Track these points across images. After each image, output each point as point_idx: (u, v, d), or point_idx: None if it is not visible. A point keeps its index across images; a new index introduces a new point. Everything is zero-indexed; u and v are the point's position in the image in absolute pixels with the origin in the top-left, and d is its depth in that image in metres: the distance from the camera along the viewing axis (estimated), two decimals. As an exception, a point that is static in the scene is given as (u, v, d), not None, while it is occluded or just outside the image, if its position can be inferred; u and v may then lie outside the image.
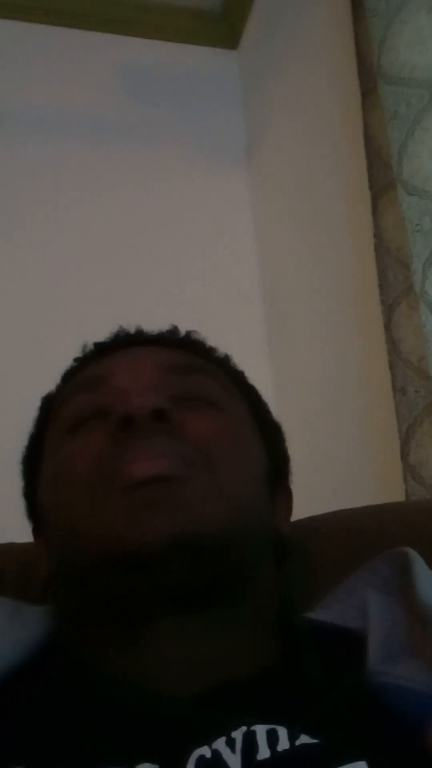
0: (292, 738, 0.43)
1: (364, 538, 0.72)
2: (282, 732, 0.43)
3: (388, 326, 1.07)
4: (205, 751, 0.43)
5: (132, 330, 0.70)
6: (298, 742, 0.43)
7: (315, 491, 0.89)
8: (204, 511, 0.54)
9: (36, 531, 0.67)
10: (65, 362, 0.70)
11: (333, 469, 1.27)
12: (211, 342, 0.71)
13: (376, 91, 1.11)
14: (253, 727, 0.43)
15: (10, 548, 0.78)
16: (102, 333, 0.71)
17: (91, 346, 0.70)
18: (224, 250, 1.60)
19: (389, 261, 1.07)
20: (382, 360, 1.08)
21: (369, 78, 1.13)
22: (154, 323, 0.71)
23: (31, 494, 0.67)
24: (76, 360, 0.70)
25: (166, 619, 0.54)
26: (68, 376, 0.69)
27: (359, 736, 0.45)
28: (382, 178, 1.10)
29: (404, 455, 1.02)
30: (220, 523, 0.54)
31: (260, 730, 0.43)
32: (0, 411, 1.25)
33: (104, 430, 0.57)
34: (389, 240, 1.08)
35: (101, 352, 0.68)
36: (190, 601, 0.54)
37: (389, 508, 0.80)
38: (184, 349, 0.67)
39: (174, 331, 0.71)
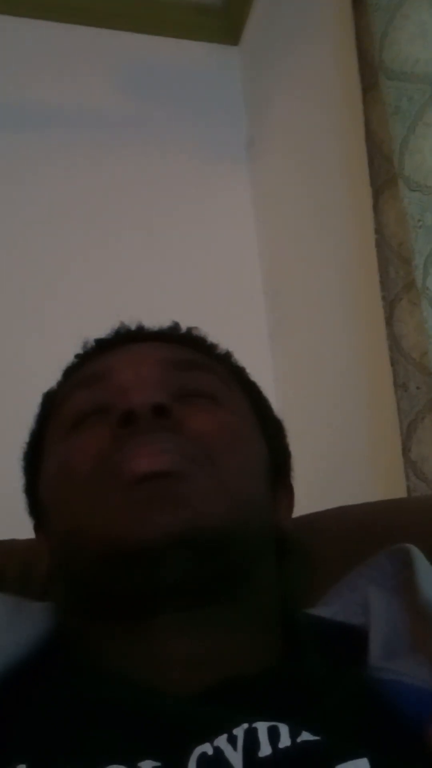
0: (293, 735, 0.43)
1: (365, 534, 0.72)
2: (283, 729, 0.43)
3: (389, 322, 1.07)
4: (207, 748, 0.43)
5: (133, 326, 0.70)
6: (299, 739, 0.43)
7: (316, 488, 0.89)
8: (205, 507, 0.54)
9: (37, 527, 0.67)
10: (66, 358, 0.70)
11: (334, 466, 1.27)
12: (212, 338, 0.71)
13: (378, 86, 1.10)
14: (254, 724, 0.43)
15: (12, 545, 0.78)
16: (103, 329, 0.71)
17: (92, 342, 0.70)
18: (225, 245, 1.60)
19: (391, 257, 1.07)
20: (384, 356, 1.08)
21: (370, 73, 1.13)
22: (155, 319, 0.70)
23: (32, 491, 0.67)
24: (77, 356, 0.70)
25: (167, 615, 0.54)
26: (69, 373, 0.69)
27: (361, 733, 0.45)
28: (383, 174, 1.10)
29: (406, 451, 1.02)
30: (220, 519, 0.54)
31: (262, 727, 0.43)
32: (1, 408, 1.25)
33: (105, 426, 0.57)
34: (391, 235, 1.07)
35: (102, 348, 0.68)
36: (191, 597, 0.54)
37: (391, 505, 0.80)
38: (185, 345, 0.67)
39: (175, 327, 0.71)
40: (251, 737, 0.43)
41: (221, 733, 0.43)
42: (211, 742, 0.43)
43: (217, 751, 0.43)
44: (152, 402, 0.56)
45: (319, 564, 0.71)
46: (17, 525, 0.71)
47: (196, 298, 1.42)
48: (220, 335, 0.71)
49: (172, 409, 0.57)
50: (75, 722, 0.47)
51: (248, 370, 0.71)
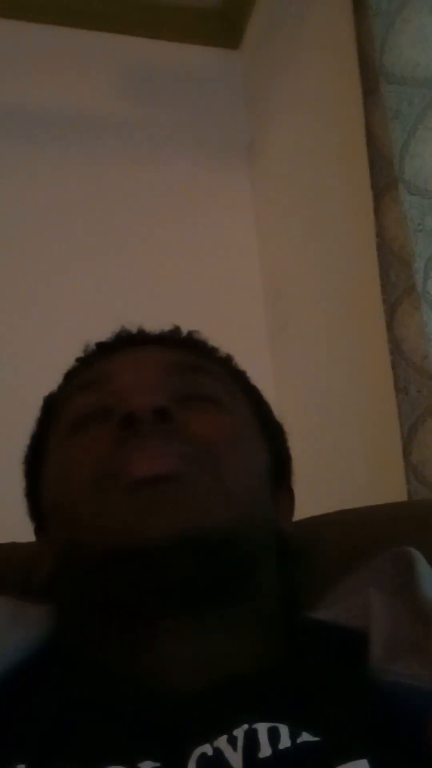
0: (293, 736, 0.43)
1: (366, 537, 0.72)
2: (283, 730, 0.43)
3: (390, 326, 1.07)
4: (207, 749, 0.43)
5: (134, 330, 0.70)
6: (299, 740, 0.43)
7: (317, 491, 0.89)
8: (207, 509, 0.54)
9: (38, 531, 0.67)
10: (67, 362, 0.70)
11: (335, 469, 1.27)
12: (212, 342, 0.71)
13: (378, 90, 1.10)
14: (254, 725, 0.43)
15: (13, 548, 0.78)
16: (104, 333, 0.71)
17: (93, 345, 0.70)
18: (226, 249, 1.60)
19: (391, 260, 1.07)
20: (384, 360, 1.08)
21: (371, 77, 1.13)
22: (156, 323, 0.71)
23: (33, 494, 0.67)
24: (78, 360, 0.70)
25: (168, 617, 0.54)
26: (70, 376, 0.69)
27: (361, 734, 0.45)
28: (384, 178, 1.10)
29: (407, 455, 1.02)
30: (222, 522, 0.54)
31: (262, 728, 0.43)
32: (2, 411, 1.25)
33: (106, 429, 0.57)
34: (391, 239, 1.08)
35: (103, 351, 0.69)
36: (193, 599, 0.54)
37: (391, 508, 0.80)
38: (185, 349, 0.67)
39: (176, 330, 0.71)
40: (251, 738, 0.43)
41: (221, 734, 0.43)
42: (211, 743, 0.43)
43: (217, 751, 0.43)
44: (153, 405, 0.56)
45: (320, 567, 0.70)
46: (18, 528, 0.71)
47: (197, 302, 1.43)
48: (220, 339, 0.71)
49: (173, 412, 0.57)
50: (75, 723, 0.47)
51: (249, 374, 0.71)
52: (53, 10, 1.61)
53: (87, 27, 1.65)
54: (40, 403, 0.70)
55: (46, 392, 0.70)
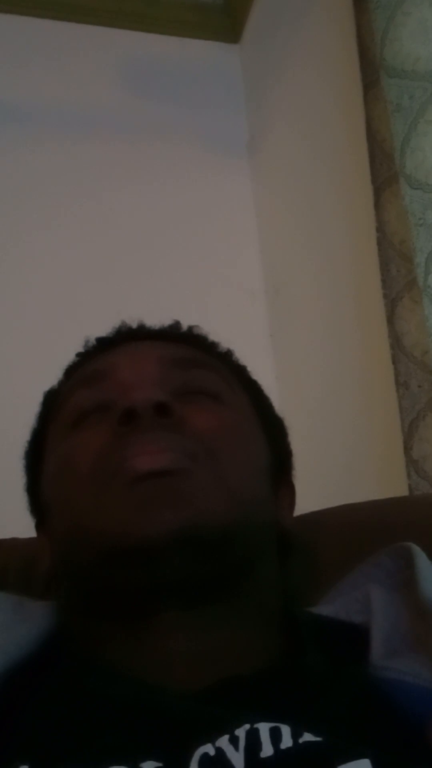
0: (295, 736, 0.43)
1: (367, 533, 0.72)
2: (285, 730, 0.43)
3: (390, 320, 1.06)
4: (209, 749, 0.43)
5: (134, 324, 0.70)
6: (301, 740, 0.43)
7: (318, 486, 0.89)
8: (207, 504, 0.54)
9: (39, 526, 0.67)
10: (68, 357, 0.70)
11: (336, 464, 1.27)
12: (213, 337, 0.71)
13: (379, 84, 1.10)
14: (256, 725, 0.43)
15: (14, 543, 0.78)
16: (104, 328, 0.71)
17: (93, 340, 0.70)
18: (226, 244, 1.60)
19: (392, 255, 1.07)
20: (385, 354, 1.08)
21: (371, 70, 1.13)
22: (157, 318, 0.70)
23: (33, 489, 0.67)
24: (78, 355, 0.70)
25: (169, 613, 0.54)
26: (70, 371, 0.69)
27: (362, 733, 0.45)
28: (384, 172, 1.10)
29: (407, 450, 1.02)
30: (222, 517, 0.54)
31: (263, 728, 0.43)
32: (2, 406, 1.25)
33: (106, 424, 0.57)
34: (392, 233, 1.07)
35: (103, 346, 0.68)
36: (193, 594, 0.54)
37: (392, 503, 0.80)
38: (186, 344, 0.67)
39: (176, 325, 0.71)
40: (253, 738, 0.43)
41: (223, 734, 0.43)
42: (213, 743, 0.43)
43: (219, 751, 0.42)
44: (154, 400, 0.56)
45: (320, 562, 0.70)
46: (18, 524, 0.71)
47: (197, 296, 1.42)
48: (221, 333, 0.71)
49: (173, 407, 0.57)
50: (77, 722, 0.47)
51: (249, 369, 0.71)
52: (52, 4, 1.61)
53: (85, 21, 1.64)
54: (40, 398, 0.70)
55: (46, 387, 0.70)
